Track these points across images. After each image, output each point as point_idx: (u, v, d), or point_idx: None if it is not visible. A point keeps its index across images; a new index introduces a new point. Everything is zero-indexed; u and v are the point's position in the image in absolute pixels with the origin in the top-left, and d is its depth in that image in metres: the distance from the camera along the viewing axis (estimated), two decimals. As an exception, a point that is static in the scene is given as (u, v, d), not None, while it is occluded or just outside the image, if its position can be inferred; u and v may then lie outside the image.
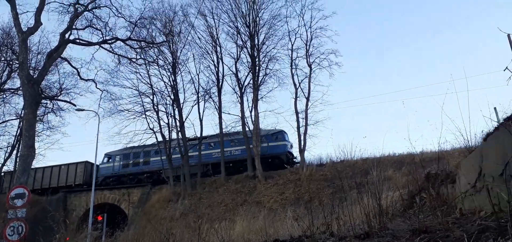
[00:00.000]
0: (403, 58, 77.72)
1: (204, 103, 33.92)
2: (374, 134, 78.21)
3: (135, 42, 27.47)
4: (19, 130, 34.30)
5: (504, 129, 4.76)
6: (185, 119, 32.47)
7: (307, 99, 30.98)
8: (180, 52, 33.86)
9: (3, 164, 36.59)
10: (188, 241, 8.10)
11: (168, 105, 33.17)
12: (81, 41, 25.59)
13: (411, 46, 75.28)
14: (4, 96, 35.86)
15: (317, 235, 5.54)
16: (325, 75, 65.74)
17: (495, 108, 7.66)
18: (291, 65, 32.10)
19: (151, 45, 29.51)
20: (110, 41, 26.36)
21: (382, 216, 5.27)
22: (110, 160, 34.73)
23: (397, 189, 8.25)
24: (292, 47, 32.40)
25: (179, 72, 33.83)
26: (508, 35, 20.05)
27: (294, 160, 31.91)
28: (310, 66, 31.79)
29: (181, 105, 32.71)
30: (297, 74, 32.20)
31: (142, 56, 30.02)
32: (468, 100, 6.57)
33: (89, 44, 25.96)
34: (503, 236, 2.93)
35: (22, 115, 30.96)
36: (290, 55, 32.30)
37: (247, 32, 32.43)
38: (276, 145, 31.37)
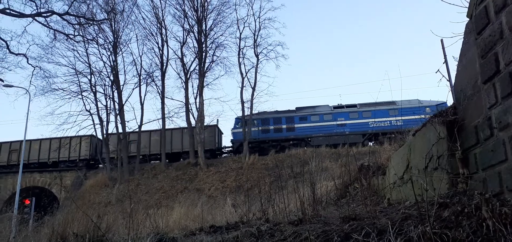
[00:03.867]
0: (343, 54, 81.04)
1: (146, 86, 33.11)
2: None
3: (74, 17, 25.68)
4: None
5: (430, 125, 5.07)
6: (125, 102, 31.39)
7: (253, 88, 31.28)
8: (122, 32, 32.63)
9: None
10: (121, 226, 7.75)
11: (107, 87, 31.91)
12: (12, 12, 23.30)
13: (351, 43, 78.65)
14: None
15: (253, 221, 5.58)
16: (272, 67, 66.72)
17: (426, 108, 8.20)
18: (239, 54, 32.18)
19: (91, 22, 27.81)
20: (45, 14, 24.34)
21: (316, 204, 5.42)
22: (246, 124, 31.10)
23: (333, 179, 8.56)
24: (240, 35, 32.45)
25: (120, 52, 32.58)
26: (441, 40, 21.61)
27: None
28: (257, 56, 32.07)
29: (121, 87, 31.60)
30: (244, 63, 32.38)
31: (81, 33, 28.29)
32: (401, 97, 6.93)
33: (21, 15, 23.75)
34: (422, 223, 3.11)
35: None
36: (238, 44, 32.38)
37: (195, 16, 31.84)
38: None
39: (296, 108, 31.16)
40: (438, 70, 12.46)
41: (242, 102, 30.88)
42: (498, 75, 3.67)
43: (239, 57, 32.08)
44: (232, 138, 31.45)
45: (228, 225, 5.81)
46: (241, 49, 32.28)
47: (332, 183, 8.44)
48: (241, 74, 31.75)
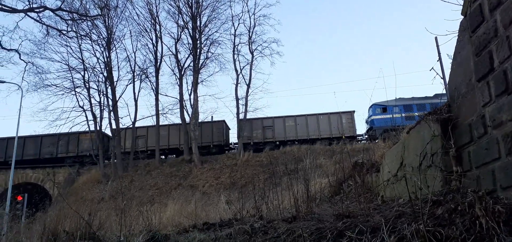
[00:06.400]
0: (338, 51, 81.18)
1: (140, 83, 32.89)
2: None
3: (67, 13, 25.44)
4: None
5: (424, 123, 5.07)
6: (119, 98, 31.16)
7: (248, 86, 31.17)
8: (116, 28, 32.37)
9: None
10: (114, 223, 7.69)
11: (101, 83, 31.59)
12: (3, 7, 23.04)
13: (346, 40, 78.81)
14: None
15: (247, 218, 5.55)
16: (267, 63, 66.62)
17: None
18: (233, 51, 32.03)
19: (84, 18, 27.55)
20: (37, 10, 24.09)
21: (310, 201, 5.41)
22: (386, 111, 29.74)
23: (327, 176, 8.55)
24: (235, 32, 32.30)
25: (114, 48, 32.26)
26: (436, 38, 21.74)
27: None
28: (252, 53, 31.96)
29: (115, 83, 31.27)
30: (239, 60, 32.23)
31: (74, 29, 27.99)
32: (395, 95, 6.94)
33: (13, 10, 23.46)
34: (416, 221, 3.10)
35: None
36: (233, 41, 32.22)
37: (189, 13, 31.63)
38: None
39: (435, 95, 30.05)
40: (433, 68, 12.54)
41: (237, 99, 30.83)
42: (492, 73, 3.66)
43: (233, 54, 32.01)
44: (369, 126, 30.60)
45: (222, 222, 5.78)
46: (236, 46, 32.20)
47: (326, 180, 8.44)
48: (236, 71, 31.69)
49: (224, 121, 31.55)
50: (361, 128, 35.12)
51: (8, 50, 25.72)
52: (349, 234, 3.28)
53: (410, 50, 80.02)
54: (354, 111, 30.39)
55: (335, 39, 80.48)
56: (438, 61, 20.17)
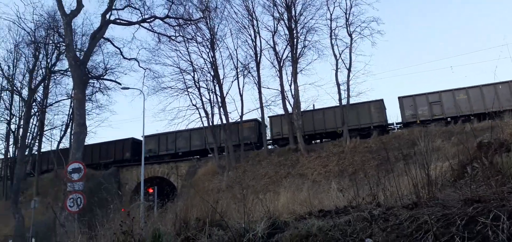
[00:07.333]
0: (449, 23, 73.21)
1: (244, 78, 34.20)
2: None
3: (173, 19, 28.06)
4: (71, 109, 36.27)
5: None
6: (226, 95, 33.00)
7: (349, 70, 30.27)
8: (217, 28, 34.10)
9: (59, 142, 39.02)
10: (234, 211, 8.35)
11: (209, 81, 33.76)
12: (121, 21, 26.52)
13: (457, 10, 70.57)
14: (55, 77, 37.97)
15: (363, 205, 5.52)
16: (367, 45, 63.53)
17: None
18: (331, 36, 31.35)
19: (189, 22, 29.92)
20: (149, 20, 27.13)
21: (431, 186, 5.15)
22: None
23: (446, 159, 7.96)
24: (331, 16, 31.55)
25: (218, 48, 34.18)
26: None
27: None
28: (350, 35, 30.89)
29: (221, 81, 33.20)
30: (337, 45, 31.44)
31: (181, 34, 30.58)
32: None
33: (129, 23, 26.81)
34: None
35: (72, 95, 32.65)
36: (329, 25, 31.48)
37: (284, 4, 31.92)
38: None
39: None
40: None
41: (338, 85, 30.15)
42: None
43: (331, 39, 31.28)
44: None
45: (337, 209, 5.85)
46: (333, 31, 31.37)
47: (446, 163, 7.87)
48: (335, 56, 30.96)
49: (382, 100, 30.05)
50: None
51: (129, 59, 29.57)
52: (482, 220, 3.09)
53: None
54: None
55: (442, 7, 72.87)
56: None
